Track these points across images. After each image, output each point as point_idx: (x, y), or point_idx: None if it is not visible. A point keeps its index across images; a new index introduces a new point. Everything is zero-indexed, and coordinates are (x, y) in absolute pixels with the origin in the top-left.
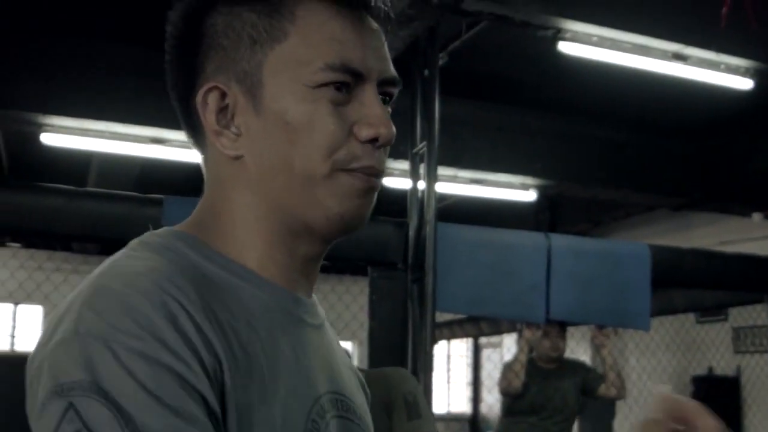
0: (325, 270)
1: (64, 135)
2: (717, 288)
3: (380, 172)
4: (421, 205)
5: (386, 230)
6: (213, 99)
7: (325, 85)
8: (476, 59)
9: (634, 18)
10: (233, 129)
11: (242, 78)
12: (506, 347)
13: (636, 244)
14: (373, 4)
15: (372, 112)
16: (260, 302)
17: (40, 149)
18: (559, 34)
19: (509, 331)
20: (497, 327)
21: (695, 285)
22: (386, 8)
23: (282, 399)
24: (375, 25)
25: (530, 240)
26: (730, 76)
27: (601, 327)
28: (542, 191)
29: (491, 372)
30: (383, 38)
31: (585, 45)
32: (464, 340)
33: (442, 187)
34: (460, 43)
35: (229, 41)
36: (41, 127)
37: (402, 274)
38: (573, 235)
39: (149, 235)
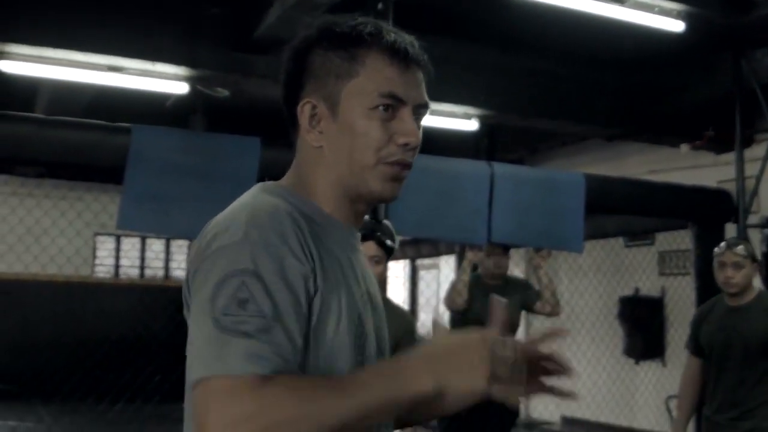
0: None
1: (23, 63)
2: (644, 214)
3: (409, 165)
4: None
5: None
6: (307, 109)
7: (377, 107)
8: None
9: None
10: (318, 129)
11: (327, 98)
12: (442, 269)
13: (572, 173)
14: (413, 58)
15: (407, 127)
16: (338, 233)
17: None
18: None
19: (447, 253)
20: (436, 249)
21: (624, 211)
22: (422, 60)
23: (346, 294)
24: (415, 68)
25: (474, 168)
26: (664, 18)
27: (538, 249)
28: (483, 120)
29: (426, 292)
30: (421, 76)
31: None
32: (400, 261)
33: None
34: None
35: (323, 72)
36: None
37: None
38: (513, 164)
39: (267, 185)
